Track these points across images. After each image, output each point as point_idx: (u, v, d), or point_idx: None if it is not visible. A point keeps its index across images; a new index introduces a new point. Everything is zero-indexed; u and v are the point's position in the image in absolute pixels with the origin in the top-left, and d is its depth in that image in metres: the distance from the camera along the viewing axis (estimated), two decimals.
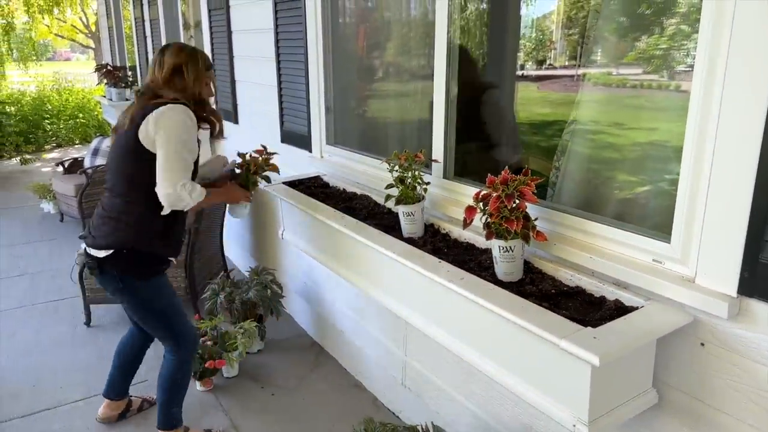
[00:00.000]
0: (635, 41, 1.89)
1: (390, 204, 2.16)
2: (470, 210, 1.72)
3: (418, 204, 2.11)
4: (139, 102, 2.19)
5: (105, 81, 7.42)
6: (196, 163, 2.22)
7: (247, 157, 2.60)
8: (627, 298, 1.55)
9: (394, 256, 1.89)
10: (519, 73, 2.42)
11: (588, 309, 1.57)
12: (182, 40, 4.96)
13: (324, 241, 2.45)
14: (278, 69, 3.34)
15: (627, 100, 1.96)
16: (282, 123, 3.43)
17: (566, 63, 2.32)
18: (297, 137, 3.31)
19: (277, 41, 3.29)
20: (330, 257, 2.44)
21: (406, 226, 2.14)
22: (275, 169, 2.64)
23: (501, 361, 1.60)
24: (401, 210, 2.11)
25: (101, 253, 2.15)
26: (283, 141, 3.43)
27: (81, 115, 11.13)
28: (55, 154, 10.15)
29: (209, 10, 4.22)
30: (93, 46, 17.28)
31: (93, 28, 16.08)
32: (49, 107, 11.01)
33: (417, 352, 2.56)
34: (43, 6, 13.18)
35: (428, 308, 1.88)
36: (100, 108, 10.10)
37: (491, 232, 1.69)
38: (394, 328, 2.66)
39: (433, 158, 2.16)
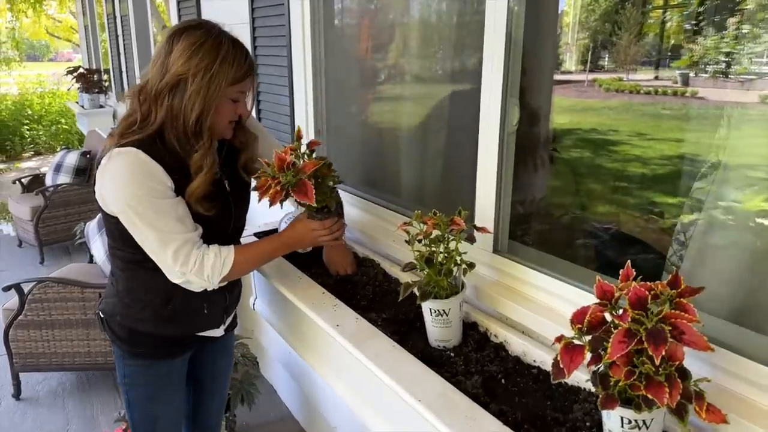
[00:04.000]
0: None
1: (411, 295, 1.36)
2: (572, 352, 0.90)
3: (456, 297, 1.31)
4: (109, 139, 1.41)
5: (78, 86, 6.66)
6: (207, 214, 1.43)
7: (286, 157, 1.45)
8: None
9: (421, 410, 1.09)
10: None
11: None
12: (151, 38, 4.17)
13: (306, 332, 1.65)
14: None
15: None
16: None
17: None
18: None
19: (254, 37, 2.50)
20: (314, 355, 1.64)
21: (435, 330, 1.34)
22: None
23: None
24: (428, 307, 1.32)
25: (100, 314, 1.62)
26: None
27: (63, 120, 10.33)
28: (31, 163, 9.39)
29: (177, 2, 3.44)
30: None
31: None
32: (29, 112, 10.22)
33: None
34: (21, 7, 12.18)
35: None
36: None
37: (612, 398, 0.89)
38: None
39: (481, 225, 1.34)
